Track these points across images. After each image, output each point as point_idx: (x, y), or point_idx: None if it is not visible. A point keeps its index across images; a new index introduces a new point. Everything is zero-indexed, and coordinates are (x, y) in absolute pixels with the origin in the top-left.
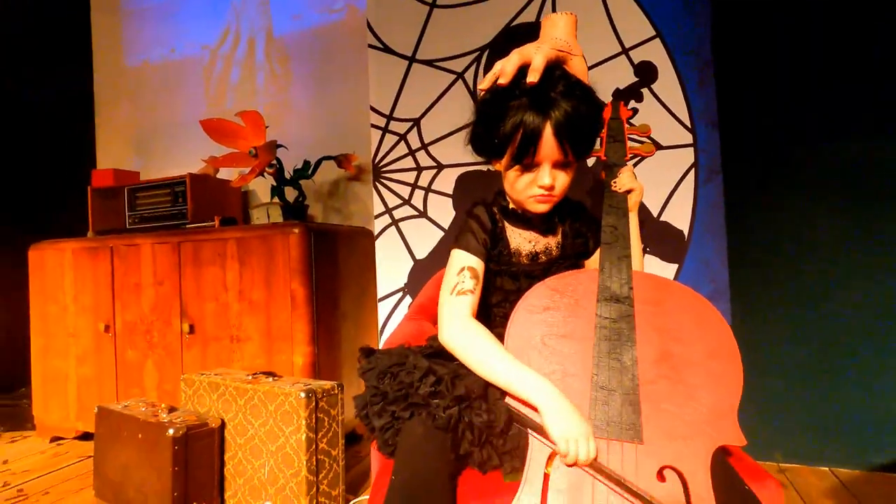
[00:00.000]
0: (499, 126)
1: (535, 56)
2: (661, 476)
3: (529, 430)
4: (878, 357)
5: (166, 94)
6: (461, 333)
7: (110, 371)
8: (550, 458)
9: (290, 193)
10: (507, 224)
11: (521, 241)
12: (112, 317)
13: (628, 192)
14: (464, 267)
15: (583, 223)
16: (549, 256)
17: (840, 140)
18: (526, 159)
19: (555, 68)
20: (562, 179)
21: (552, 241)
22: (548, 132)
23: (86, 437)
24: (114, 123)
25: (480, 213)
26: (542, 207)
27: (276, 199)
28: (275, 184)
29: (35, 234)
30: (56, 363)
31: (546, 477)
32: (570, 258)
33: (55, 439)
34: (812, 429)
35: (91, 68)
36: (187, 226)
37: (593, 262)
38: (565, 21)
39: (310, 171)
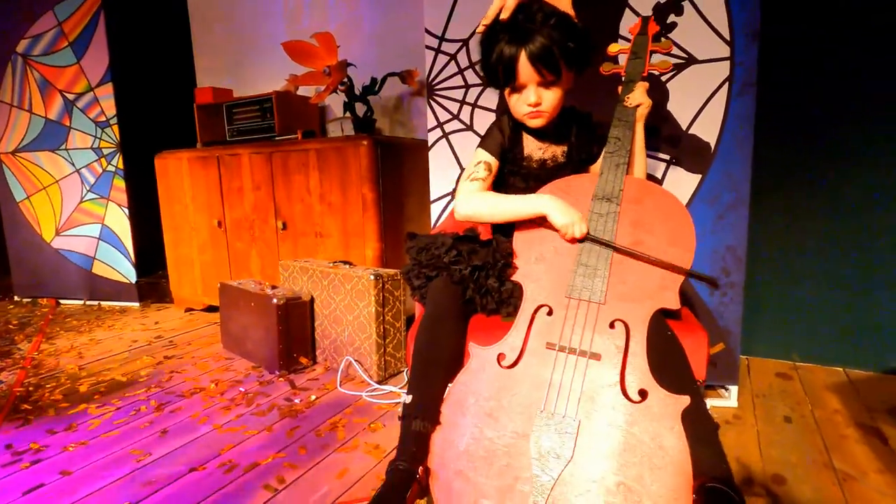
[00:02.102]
0: (489, 58)
1: None
2: (612, 325)
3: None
4: None
5: (250, 15)
6: (472, 200)
7: (224, 258)
8: (537, 310)
9: (360, 109)
10: (523, 132)
11: (534, 148)
12: (222, 215)
13: (637, 105)
14: (481, 161)
15: (590, 133)
16: (556, 162)
17: (888, 54)
18: (510, 83)
19: (532, 3)
20: (548, 97)
21: (559, 150)
22: (523, 59)
23: (209, 309)
24: (208, 44)
25: (504, 120)
26: (537, 122)
27: (347, 115)
28: (346, 100)
29: (157, 143)
30: (184, 251)
31: (531, 320)
32: (575, 164)
33: (188, 310)
34: (831, 332)
35: None
36: (276, 138)
37: (598, 167)
38: None
39: (377, 88)
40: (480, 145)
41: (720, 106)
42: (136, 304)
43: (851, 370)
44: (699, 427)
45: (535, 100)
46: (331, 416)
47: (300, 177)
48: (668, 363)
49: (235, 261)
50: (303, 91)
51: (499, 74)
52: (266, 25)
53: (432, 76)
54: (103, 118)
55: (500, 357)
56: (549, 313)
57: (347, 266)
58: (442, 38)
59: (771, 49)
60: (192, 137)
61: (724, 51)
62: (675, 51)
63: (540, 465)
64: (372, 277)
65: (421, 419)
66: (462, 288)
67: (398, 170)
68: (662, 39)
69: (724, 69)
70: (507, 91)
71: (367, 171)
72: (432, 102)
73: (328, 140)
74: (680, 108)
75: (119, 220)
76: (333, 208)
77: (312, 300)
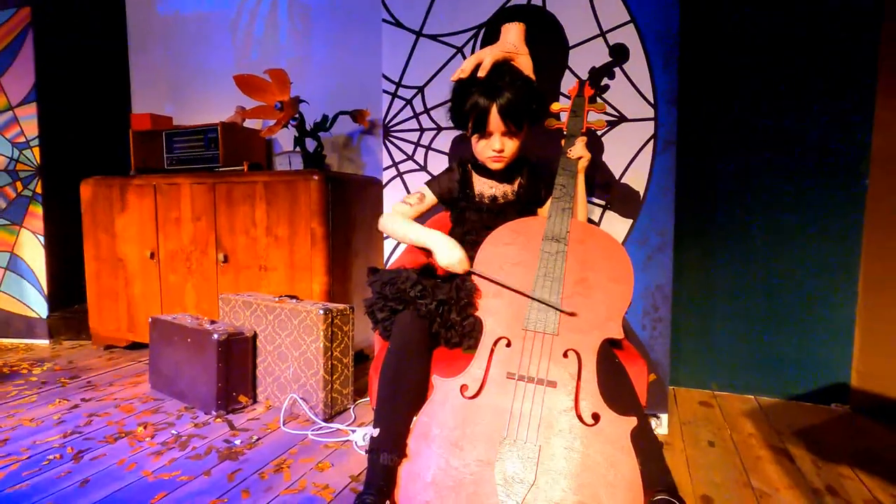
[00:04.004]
0: (462, 107)
1: (485, 58)
2: (565, 355)
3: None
4: (805, 307)
5: (196, 44)
6: (388, 218)
7: (155, 291)
8: (496, 342)
9: (310, 144)
10: (474, 173)
11: (484, 186)
12: (156, 246)
13: (579, 158)
14: (418, 191)
15: (538, 177)
16: (506, 199)
17: (783, 120)
18: (480, 130)
19: (503, 64)
20: (510, 145)
21: (509, 189)
22: (494, 111)
23: (133, 346)
24: (147, 70)
25: (454, 166)
26: (498, 165)
27: (297, 149)
28: (297, 135)
29: (82, 169)
30: (108, 283)
31: (491, 352)
32: (522, 203)
33: (108, 347)
34: (744, 365)
35: (124, 14)
36: (219, 169)
37: (546, 209)
38: (516, 29)
39: (328, 125)
40: (426, 183)
41: (647, 159)
42: (46, 342)
43: (761, 397)
44: (646, 445)
45: (500, 147)
46: (275, 458)
47: (245, 208)
48: (616, 388)
49: (168, 294)
50: (249, 123)
51: (469, 122)
52: (212, 56)
53: (388, 118)
54: (22, 139)
55: (462, 388)
56: (508, 345)
57: (294, 300)
58: (399, 84)
59: (691, 112)
60: (122, 164)
61: (649, 112)
62: (608, 109)
63: (505, 491)
64: (321, 312)
65: (388, 452)
66: (428, 322)
67: (348, 205)
68: (597, 101)
69: (649, 128)
70: (474, 137)
71: (318, 205)
72: (388, 143)
73: (277, 173)
74: (613, 159)
75: (32, 249)
76: (280, 241)
77: (255, 336)
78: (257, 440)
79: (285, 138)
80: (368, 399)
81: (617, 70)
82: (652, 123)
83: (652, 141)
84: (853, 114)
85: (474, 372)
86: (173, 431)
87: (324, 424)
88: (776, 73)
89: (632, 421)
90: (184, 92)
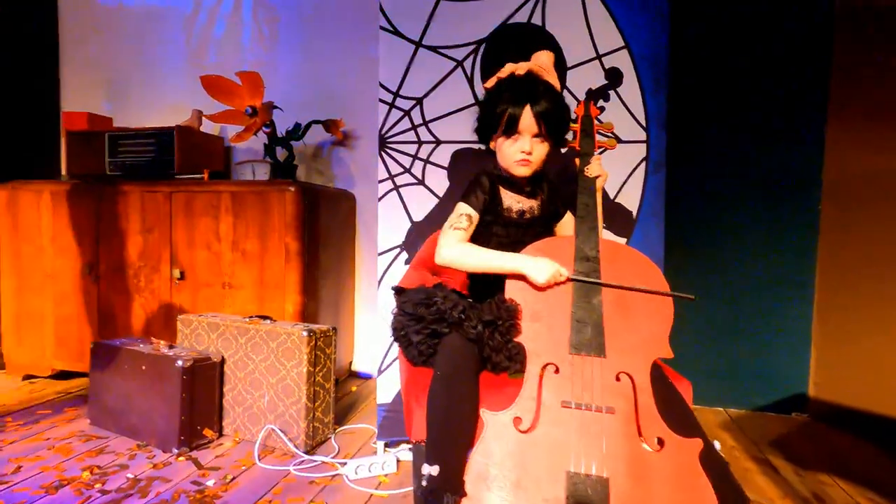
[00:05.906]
0: (495, 109)
1: (523, 64)
2: (617, 378)
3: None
4: (769, 322)
5: (142, 40)
6: (455, 248)
7: (91, 312)
8: (543, 368)
9: (279, 153)
10: (500, 187)
11: (512, 201)
12: (95, 260)
13: (597, 176)
14: (463, 213)
15: (556, 195)
16: (532, 214)
17: (751, 147)
18: (511, 129)
19: (537, 76)
20: (538, 149)
21: (534, 203)
22: (527, 111)
23: (60, 375)
24: (82, 64)
25: (483, 178)
26: (524, 170)
27: (267, 158)
28: (267, 143)
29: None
30: (31, 303)
31: (540, 379)
32: (546, 217)
33: (28, 377)
34: (714, 377)
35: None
36: (175, 177)
37: (563, 225)
38: (546, 55)
39: (300, 133)
40: (463, 200)
41: (640, 180)
42: None
43: (729, 409)
44: (714, 466)
45: (529, 148)
46: (259, 498)
47: (208, 220)
48: (673, 410)
49: (107, 316)
50: (205, 128)
51: (502, 120)
52: (160, 54)
53: (385, 129)
54: None
55: (516, 421)
56: (556, 371)
57: (268, 321)
58: (396, 95)
59: (670, 138)
60: (50, 167)
61: (642, 135)
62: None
63: None
64: (305, 334)
65: (452, 493)
66: (478, 345)
67: (321, 220)
68: (604, 121)
69: (642, 150)
70: (502, 139)
71: (293, 218)
72: (384, 154)
73: (247, 183)
74: (608, 180)
75: None
76: (248, 257)
77: (223, 361)
78: (232, 479)
79: (246, 147)
80: (349, 427)
81: (612, 93)
82: (644, 146)
83: (644, 162)
84: (808, 143)
85: (525, 403)
86: (128, 475)
87: (307, 457)
88: (745, 103)
89: (697, 443)
90: (125, 91)
